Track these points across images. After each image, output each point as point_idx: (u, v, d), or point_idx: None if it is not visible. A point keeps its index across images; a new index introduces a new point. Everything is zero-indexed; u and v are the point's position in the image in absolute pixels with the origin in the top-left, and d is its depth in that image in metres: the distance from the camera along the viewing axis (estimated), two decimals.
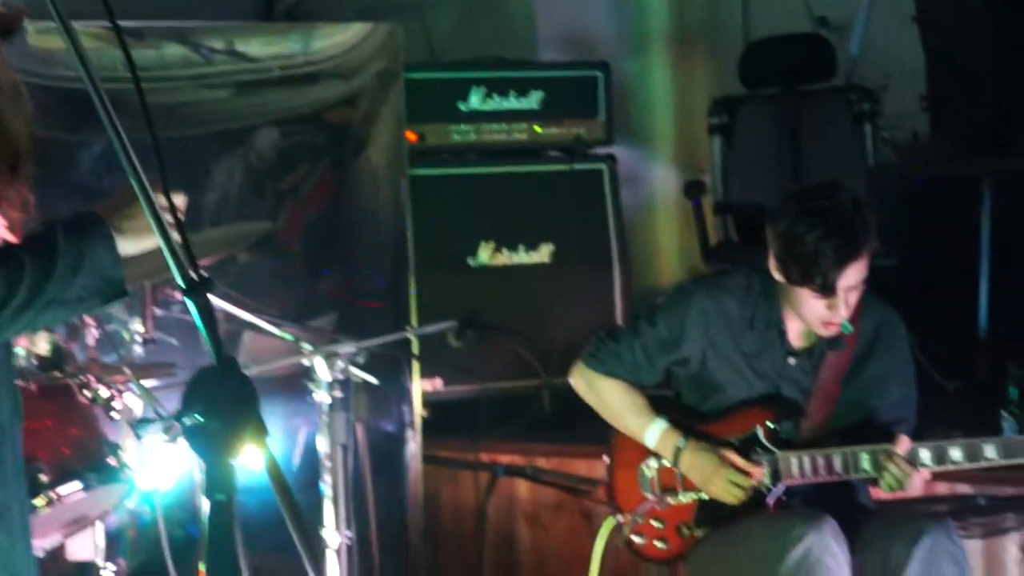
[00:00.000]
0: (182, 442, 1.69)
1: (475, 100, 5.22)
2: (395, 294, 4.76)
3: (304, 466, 4.30)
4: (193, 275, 1.67)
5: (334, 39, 4.79)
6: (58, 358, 3.36)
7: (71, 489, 3.11)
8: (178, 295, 1.75)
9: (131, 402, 3.42)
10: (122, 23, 1.74)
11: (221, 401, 1.63)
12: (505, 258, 5.18)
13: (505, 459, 4.71)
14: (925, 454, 3.12)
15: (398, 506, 4.66)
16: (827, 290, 3.10)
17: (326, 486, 3.67)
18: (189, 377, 1.67)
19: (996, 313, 4.77)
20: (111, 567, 3.51)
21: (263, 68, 4.69)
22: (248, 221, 4.67)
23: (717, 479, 3.25)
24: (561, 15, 6.23)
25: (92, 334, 3.62)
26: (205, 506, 1.65)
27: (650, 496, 3.37)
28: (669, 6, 6.49)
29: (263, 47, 4.71)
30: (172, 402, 3.24)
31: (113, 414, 3.34)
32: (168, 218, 1.70)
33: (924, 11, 5.48)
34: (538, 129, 5.28)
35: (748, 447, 3.27)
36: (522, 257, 5.20)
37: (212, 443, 1.62)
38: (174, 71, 4.55)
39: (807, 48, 5.71)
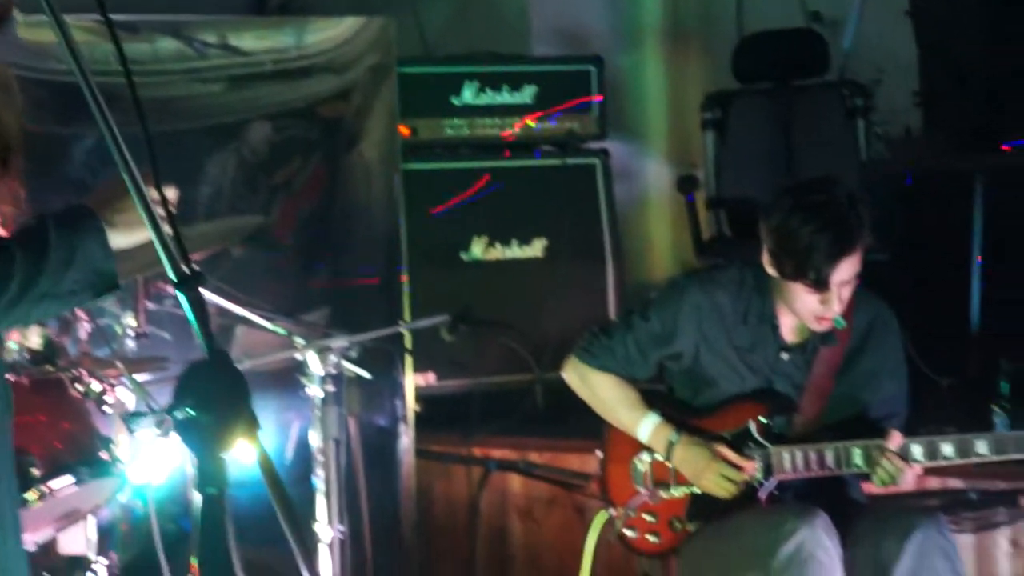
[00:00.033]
0: (174, 436, 1.68)
1: (468, 94, 5.22)
2: (388, 289, 4.76)
3: (297, 460, 4.30)
4: (185, 268, 1.67)
5: (327, 33, 4.79)
6: (50, 352, 3.36)
7: (63, 483, 3.11)
8: (170, 289, 1.74)
9: (123, 396, 3.42)
10: (115, 17, 1.74)
11: (213, 395, 1.63)
12: (498, 253, 5.18)
13: (498, 453, 4.71)
14: (917, 449, 3.13)
15: (391, 500, 4.66)
16: (820, 284, 3.11)
17: (319, 480, 3.67)
18: (181, 371, 1.67)
19: (988, 308, 4.78)
20: (103, 561, 3.50)
21: (256, 62, 4.68)
22: (241, 215, 4.67)
23: (709, 473, 3.25)
24: (554, 9, 6.23)
25: (84, 328, 3.61)
26: (197, 500, 1.65)
27: (643, 490, 3.37)
28: (663, 1, 6.49)
29: (256, 41, 4.70)
30: (165, 396, 3.24)
31: (105, 408, 3.34)
32: (160, 211, 1.70)
33: (917, 6, 5.48)
34: (531, 124, 5.28)
35: (740, 442, 3.28)
36: (515, 252, 5.19)
37: (203, 437, 1.62)
38: (167, 65, 4.54)
39: (800, 43, 5.71)
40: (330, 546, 3.66)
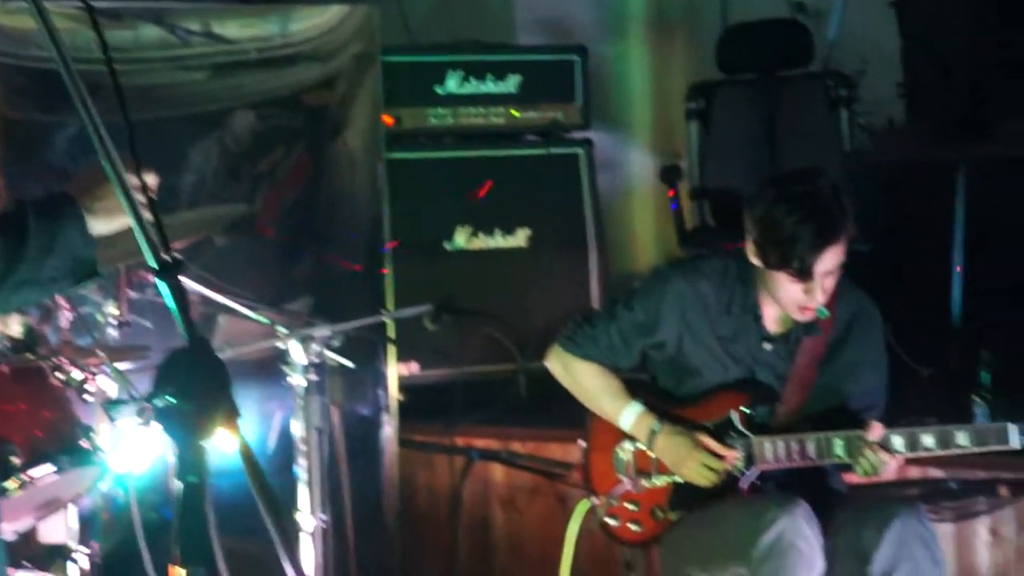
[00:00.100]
0: (155, 425, 1.68)
1: (452, 84, 5.21)
2: (371, 278, 4.75)
3: (279, 449, 4.29)
4: (165, 256, 1.66)
5: (312, 21, 4.77)
6: (31, 340, 3.35)
7: (44, 472, 3.10)
8: (152, 277, 1.73)
9: (105, 385, 3.40)
10: (97, 4, 1.74)
11: (193, 383, 1.62)
12: (481, 242, 5.17)
13: (480, 443, 4.71)
14: (898, 440, 3.14)
15: (373, 490, 4.65)
16: (804, 274, 3.11)
17: (301, 470, 3.66)
18: (161, 359, 1.67)
19: (970, 299, 4.79)
20: (84, 550, 3.50)
21: (240, 50, 4.66)
22: (224, 204, 4.65)
23: (690, 462, 3.26)
24: None
25: (66, 316, 3.60)
26: (179, 489, 1.64)
27: (625, 479, 3.38)
28: None
29: (240, 29, 4.68)
30: (146, 385, 3.22)
31: (86, 397, 3.33)
32: (140, 197, 1.69)
33: None
34: (515, 113, 5.28)
35: (723, 431, 3.28)
36: (499, 241, 5.19)
37: (183, 425, 1.62)
38: (150, 52, 4.52)
39: (784, 34, 5.71)
40: (312, 535, 3.66)
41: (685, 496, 3.32)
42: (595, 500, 3.41)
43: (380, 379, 4.67)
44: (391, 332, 4.63)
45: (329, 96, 4.80)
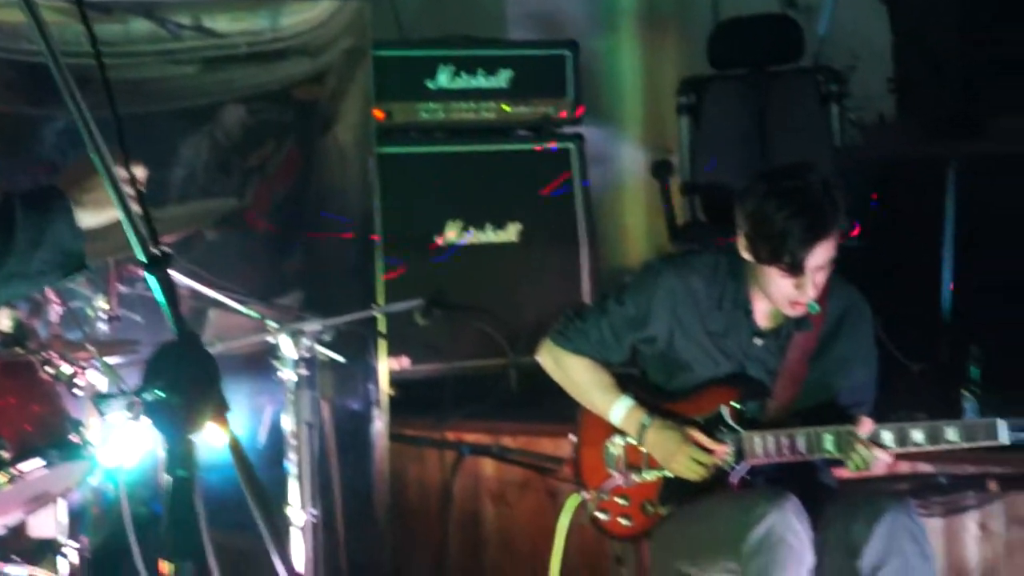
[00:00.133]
0: (145, 419, 1.67)
1: (443, 78, 5.20)
2: (362, 272, 4.75)
3: (269, 444, 4.29)
4: (154, 249, 1.66)
5: (302, 16, 4.76)
6: (21, 334, 3.34)
7: (33, 466, 3.09)
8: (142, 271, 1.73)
9: (95, 379, 3.40)
10: None
11: (182, 377, 1.62)
12: (472, 237, 5.17)
13: (471, 438, 4.71)
14: (887, 436, 3.14)
15: (364, 484, 4.65)
16: (795, 269, 3.12)
17: (291, 464, 3.66)
18: (150, 353, 1.66)
19: (960, 294, 4.80)
20: (74, 544, 3.49)
21: (231, 44, 4.65)
22: (214, 198, 4.64)
23: (680, 456, 3.26)
24: None
25: (55, 310, 3.59)
26: (168, 483, 1.64)
27: (615, 473, 3.38)
28: None
29: (231, 23, 4.67)
30: (136, 379, 3.21)
31: (76, 391, 3.32)
32: (128, 190, 1.69)
33: None
34: (506, 108, 5.27)
35: (713, 426, 3.29)
36: (489, 236, 5.19)
37: (173, 419, 1.61)
38: (140, 46, 4.51)
39: (775, 29, 5.72)
40: (302, 530, 3.66)
41: (675, 490, 3.32)
42: (585, 495, 3.42)
43: (371, 373, 4.66)
44: (382, 327, 4.63)
45: (320, 91, 4.79)
